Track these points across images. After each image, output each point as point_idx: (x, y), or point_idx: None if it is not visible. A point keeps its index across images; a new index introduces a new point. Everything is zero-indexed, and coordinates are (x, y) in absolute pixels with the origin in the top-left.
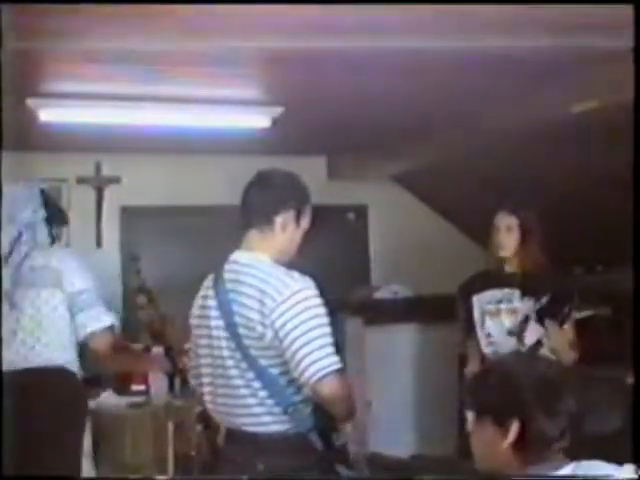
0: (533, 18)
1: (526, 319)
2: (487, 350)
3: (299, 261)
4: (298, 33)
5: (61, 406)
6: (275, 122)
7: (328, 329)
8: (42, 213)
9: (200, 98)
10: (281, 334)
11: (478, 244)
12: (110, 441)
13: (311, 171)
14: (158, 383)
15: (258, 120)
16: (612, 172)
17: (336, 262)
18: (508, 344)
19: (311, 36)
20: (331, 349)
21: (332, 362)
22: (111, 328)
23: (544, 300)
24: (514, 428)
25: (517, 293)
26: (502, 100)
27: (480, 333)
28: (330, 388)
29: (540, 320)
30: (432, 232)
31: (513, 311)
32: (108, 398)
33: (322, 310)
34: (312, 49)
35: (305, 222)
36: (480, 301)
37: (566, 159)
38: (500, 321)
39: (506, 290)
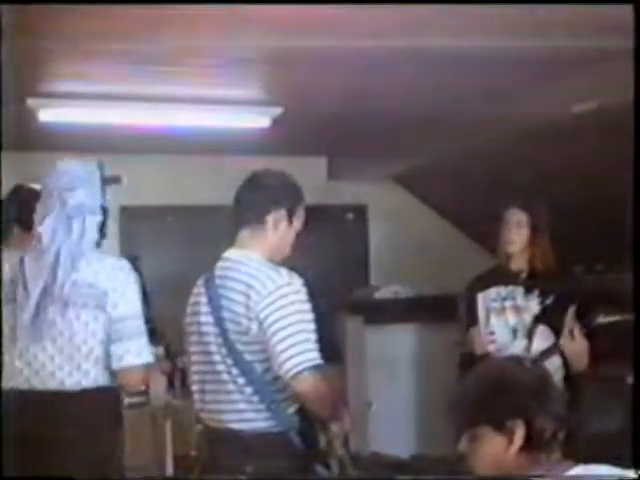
0: (533, 18)
1: (535, 321)
2: (490, 348)
3: (298, 261)
4: (298, 33)
5: (94, 433)
6: (275, 122)
7: (311, 325)
8: (98, 201)
9: (200, 98)
10: (264, 326)
11: (478, 244)
12: None
13: (311, 171)
14: (158, 383)
15: (258, 120)
16: (612, 172)
17: (336, 262)
18: (511, 342)
19: (311, 36)
20: (311, 345)
21: (309, 358)
22: (148, 365)
23: (549, 301)
24: (519, 431)
25: (521, 290)
26: (502, 100)
27: (483, 331)
28: (305, 384)
29: (549, 323)
30: (432, 232)
31: (517, 309)
32: None
33: (306, 306)
34: (312, 49)
35: (298, 222)
36: (485, 299)
37: (566, 159)
38: (505, 319)
39: (510, 287)
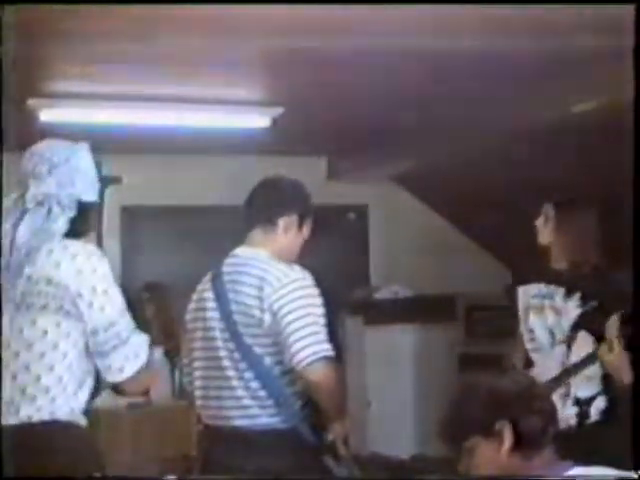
0: (533, 18)
1: (575, 327)
2: (529, 346)
3: (298, 261)
4: (298, 33)
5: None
6: (275, 122)
7: (322, 320)
8: (74, 194)
9: (200, 98)
10: (278, 317)
11: (478, 244)
12: (110, 441)
13: (311, 171)
14: (158, 383)
15: (258, 120)
16: (612, 172)
17: (336, 262)
18: (550, 347)
19: (311, 36)
20: (323, 337)
21: (323, 349)
22: (149, 361)
23: (590, 306)
24: (507, 431)
25: (561, 291)
26: (502, 100)
27: (523, 327)
28: (317, 375)
29: (590, 329)
30: (432, 232)
31: (556, 310)
32: (107, 398)
33: (318, 300)
34: (312, 49)
35: (306, 230)
36: (525, 294)
37: (566, 159)
38: (544, 318)
39: (552, 287)
